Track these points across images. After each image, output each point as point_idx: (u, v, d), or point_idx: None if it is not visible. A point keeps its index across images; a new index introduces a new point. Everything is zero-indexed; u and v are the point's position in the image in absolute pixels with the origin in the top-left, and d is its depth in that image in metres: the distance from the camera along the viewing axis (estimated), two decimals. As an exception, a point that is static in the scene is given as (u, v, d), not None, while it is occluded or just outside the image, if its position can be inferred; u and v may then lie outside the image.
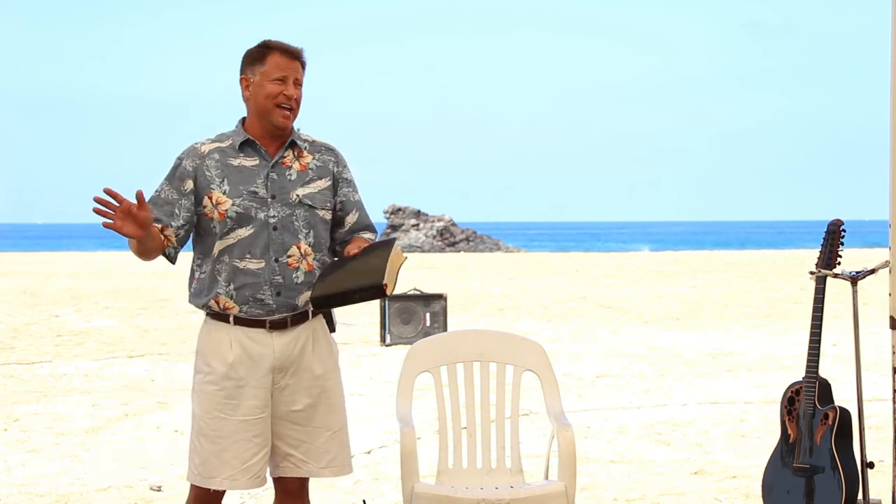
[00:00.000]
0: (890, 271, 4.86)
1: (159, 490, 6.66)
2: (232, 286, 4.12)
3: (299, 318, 4.20)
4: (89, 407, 9.53)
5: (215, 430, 4.12)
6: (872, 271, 5.19)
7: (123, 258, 38.96)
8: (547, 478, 5.07)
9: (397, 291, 13.82)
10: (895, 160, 4.70)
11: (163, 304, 19.25)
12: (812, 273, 5.17)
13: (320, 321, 4.28)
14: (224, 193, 4.12)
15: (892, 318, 4.84)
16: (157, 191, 4.15)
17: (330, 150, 4.32)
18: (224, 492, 4.23)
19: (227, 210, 4.11)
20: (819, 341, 5.15)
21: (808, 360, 5.12)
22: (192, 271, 4.24)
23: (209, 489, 4.18)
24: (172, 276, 27.61)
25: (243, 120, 4.26)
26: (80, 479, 6.95)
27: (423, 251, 47.75)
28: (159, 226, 4.08)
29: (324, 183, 4.25)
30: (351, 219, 4.31)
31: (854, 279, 5.17)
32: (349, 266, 4.09)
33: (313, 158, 4.26)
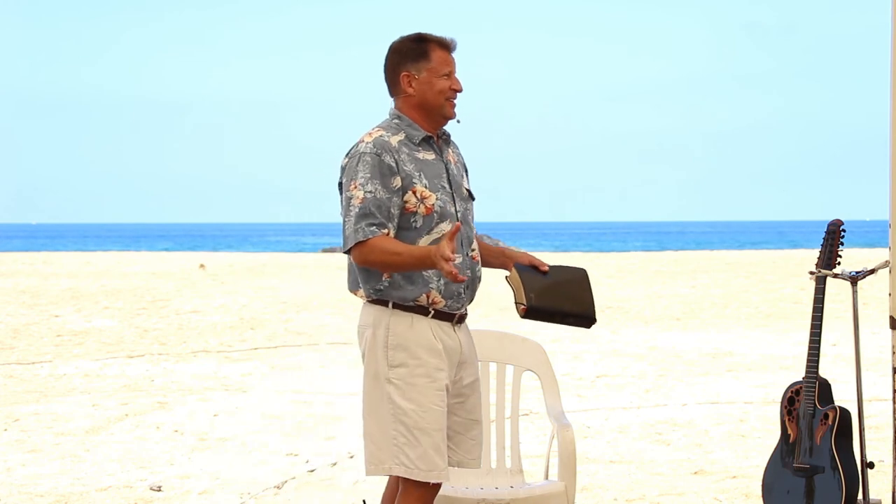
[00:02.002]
0: (890, 271, 4.86)
1: (159, 490, 6.67)
2: (442, 281, 4.06)
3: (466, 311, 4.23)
4: (89, 407, 9.53)
5: (431, 423, 4.04)
6: (872, 271, 5.19)
7: (123, 258, 38.94)
8: (547, 478, 5.07)
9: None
10: (895, 160, 4.70)
11: (163, 304, 19.25)
12: (812, 273, 5.17)
13: None
14: (426, 187, 4.06)
15: (892, 318, 4.83)
16: (369, 191, 3.99)
17: (455, 144, 4.34)
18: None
19: (433, 205, 4.06)
20: (819, 341, 5.14)
21: (808, 360, 5.12)
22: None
23: (431, 486, 4.09)
24: (172, 276, 27.61)
25: (398, 112, 4.16)
26: (80, 479, 6.95)
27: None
28: (385, 231, 4.00)
29: (467, 175, 4.30)
30: None
31: (854, 279, 5.17)
32: (561, 288, 4.16)
33: (453, 150, 4.29)
